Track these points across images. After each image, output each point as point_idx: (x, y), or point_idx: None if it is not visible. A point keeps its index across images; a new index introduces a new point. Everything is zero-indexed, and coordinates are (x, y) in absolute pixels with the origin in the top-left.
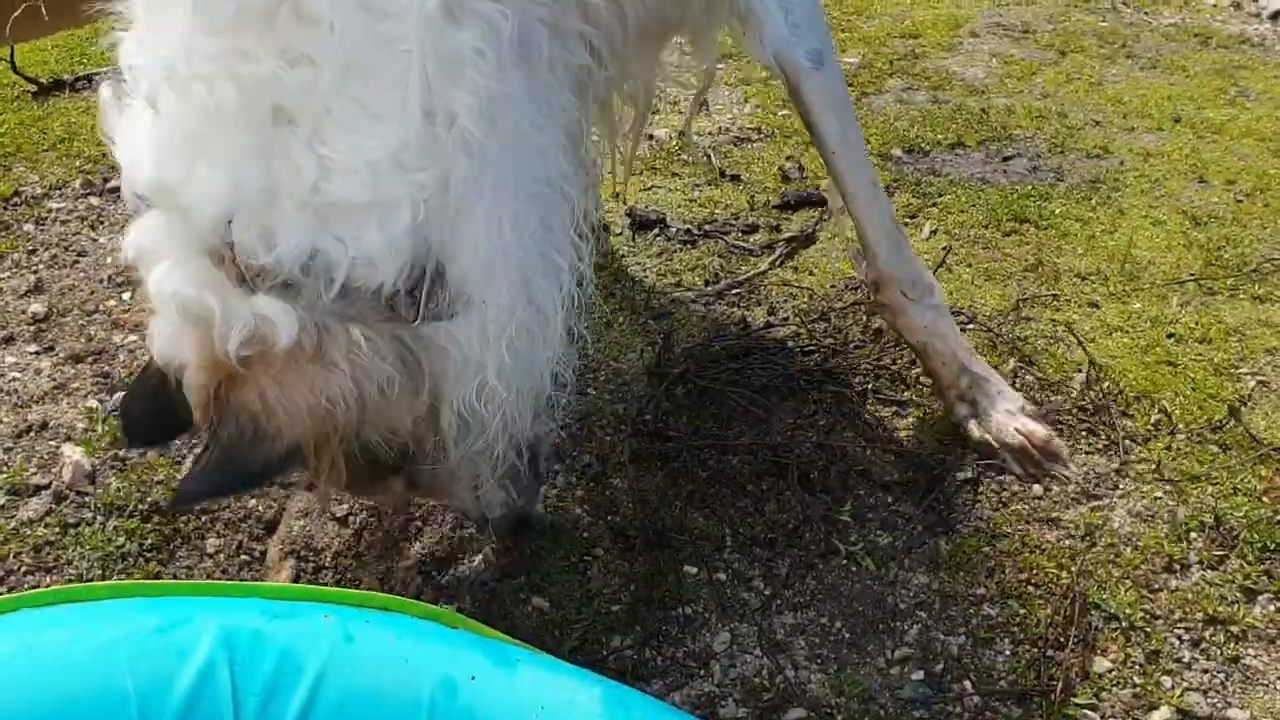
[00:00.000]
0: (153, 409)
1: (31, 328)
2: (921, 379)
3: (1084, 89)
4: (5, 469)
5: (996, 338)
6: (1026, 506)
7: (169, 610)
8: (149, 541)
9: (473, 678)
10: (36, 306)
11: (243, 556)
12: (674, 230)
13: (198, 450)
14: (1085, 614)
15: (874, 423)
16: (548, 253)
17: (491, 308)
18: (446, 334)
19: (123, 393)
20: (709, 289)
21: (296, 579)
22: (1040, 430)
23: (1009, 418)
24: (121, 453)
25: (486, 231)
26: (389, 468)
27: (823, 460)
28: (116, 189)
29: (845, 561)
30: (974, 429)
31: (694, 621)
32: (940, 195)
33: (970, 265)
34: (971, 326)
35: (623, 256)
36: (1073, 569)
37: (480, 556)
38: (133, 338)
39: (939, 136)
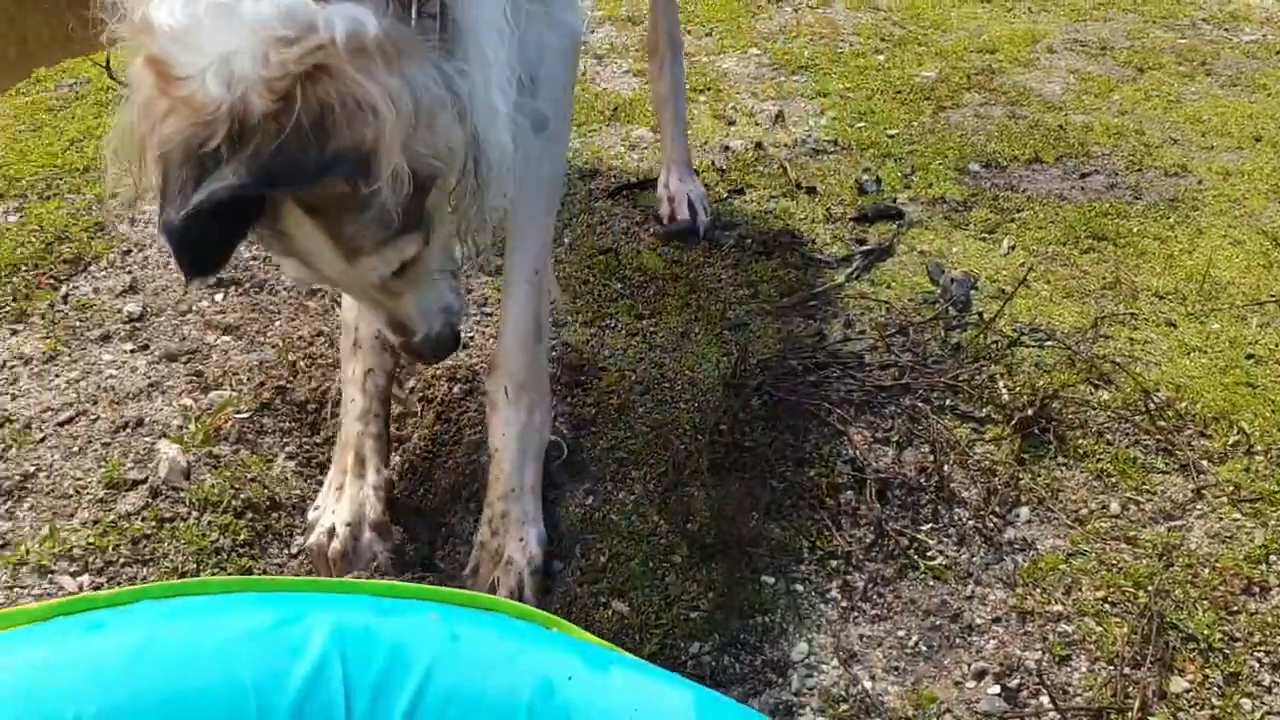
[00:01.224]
0: (207, 212)
1: (127, 326)
2: (999, 396)
3: (1162, 106)
4: (104, 463)
5: (1075, 355)
6: (1104, 524)
7: (284, 606)
8: (241, 537)
9: (569, 679)
10: (132, 306)
11: None
12: (749, 242)
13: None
14: (1163, 634)
15: (951, 438)
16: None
17: (495, 66)
18: (470, 76)
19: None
20: (785, 301)
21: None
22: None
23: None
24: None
25: None
26: (416, 220)
27: (899, 475)
28: None
29: (922, 575)
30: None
31: (772, 630)
32: (1018, 211)
33: (1049, 282)
34: (1050, 344)
35: (698, 267)
36: (1150, 588)
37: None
38: (225, 338)
39: (1016, 152)
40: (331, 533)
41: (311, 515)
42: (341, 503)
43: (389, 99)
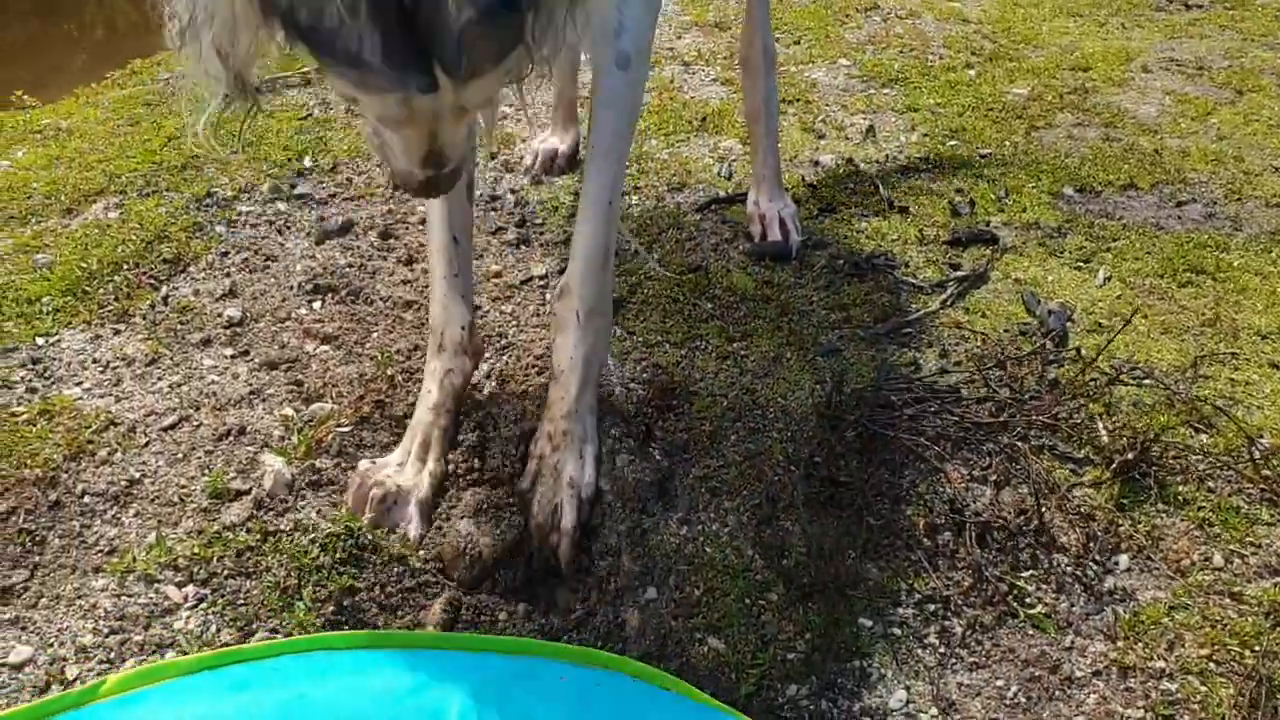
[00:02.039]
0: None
1: (228, 331)
2: (1098, 437)
3: (1263, 131)
4: (207, 472)
5: (1174, 396)
6: (1208, 577)
7: (421, 667)
8: (339, 555)
9: None
10: (232, 310)
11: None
12: (841, 262)
13: None
14: (1272, 698)
15: (1050, 480)
16: None
17: None
18: None
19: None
20: (879, 327)
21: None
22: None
23: (570, 493)
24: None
25: None
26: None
27: (998, 517)
28: (303, 195)
29: (1021, 623)
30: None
31: (869, 675)
32: (1114, 240)
33: (1146, 317)
34: (1149, 382)
35: (789, 288)
36: (1257, 649)
37: None
38: (324, 348)
39: (1111, 177)
40: (380, 484)
41: (363, 467)
42: (400, 473)
43: None
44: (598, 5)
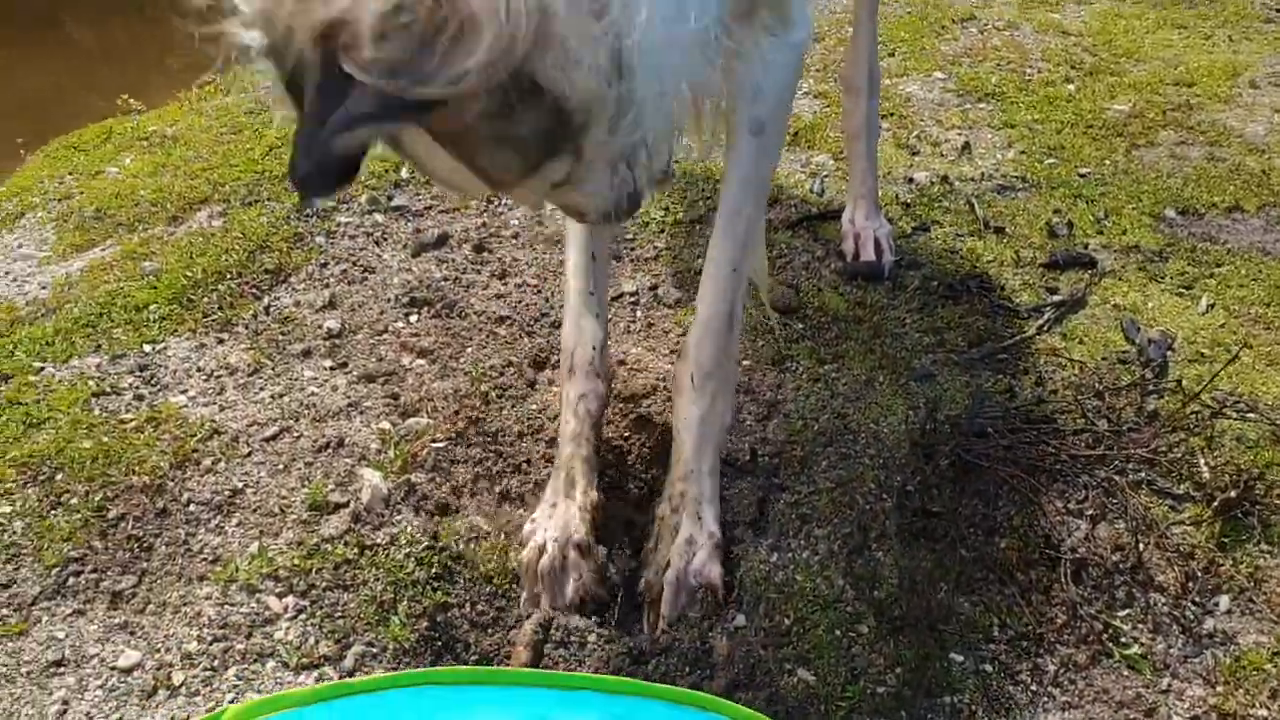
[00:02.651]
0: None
1: (327, 343)
2: (1199, 473)
3: None
4: (307, 483)
5: (1279, 432)
6: None
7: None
8: (434, 570)
9: None
10: (331, 322)
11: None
12: (935, 284)
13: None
14: None
15: (1148, 516)
16: None
17: None
18: None
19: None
20: (973, 351)
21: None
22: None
23: (692, 551)
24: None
25: None
26: (560, 145)
27: (1094, 553)
28: (399, 207)
29: (1116, 664)
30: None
31: (960, 712)
32: (1218, 265)
33: (1251, 347)
34: (1253, 416)
35: (882, 309)
36: None
37: None
38: (420, 361)
39: (1215, 198)
40: (542, 549)
41: (526, 529)
42: (552, 520)
43: (504, 7)
44: (741, 64)
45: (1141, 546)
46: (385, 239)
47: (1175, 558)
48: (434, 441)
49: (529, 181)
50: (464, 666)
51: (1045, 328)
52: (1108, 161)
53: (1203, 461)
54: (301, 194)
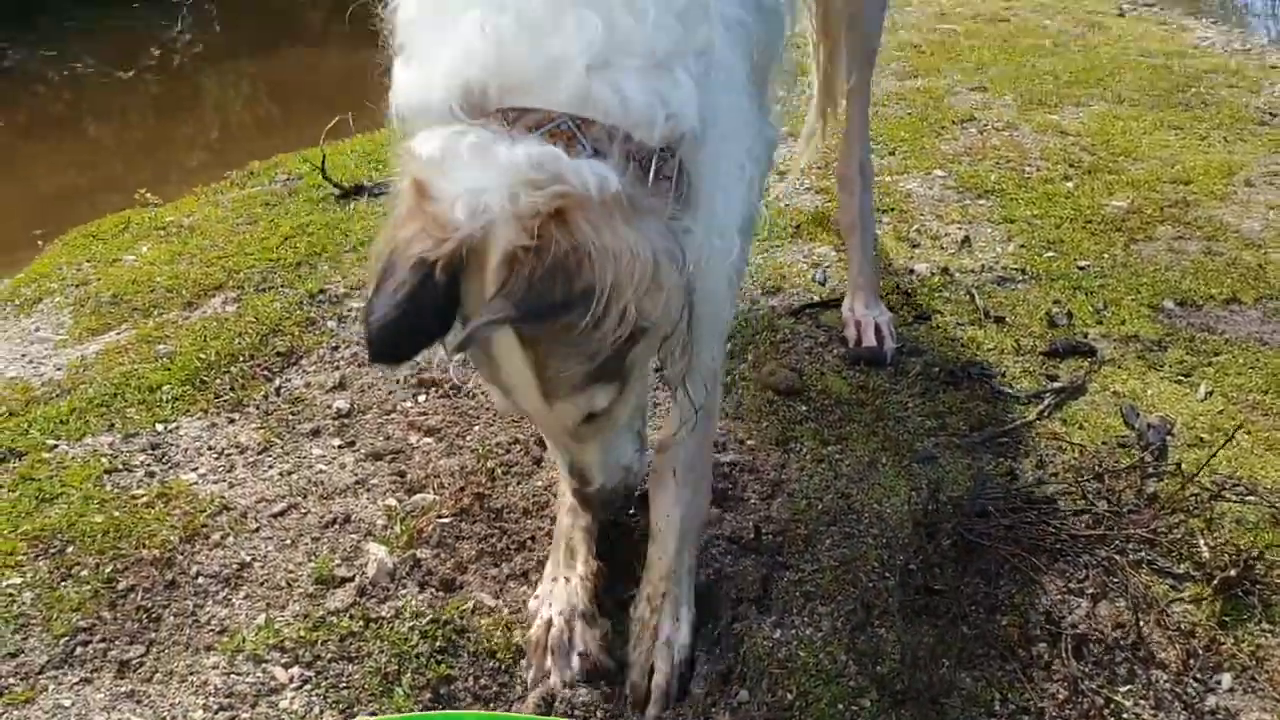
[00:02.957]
0: (410, 311)
1: (336, 422)
2: (1199, 553)
3: None
4: (314, 558)
5: (1279, 514)
6: None
7: None
8: (439, 644)
9: None
10: (340, 402)
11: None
12: (936, 370)
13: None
14: None
15: (1148, 595)
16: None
17: (719, 201)
18: (695, 235)
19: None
20: (974, 435)
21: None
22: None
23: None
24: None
25: (726, 112)
26: (615, 371)
27: (1094, 630)
28: None
29: None
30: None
31: None
32: (1216, 354)
33: (1250, 433)
34: (1252, 499)
35: (884, 393)
36: None
37: None
38: (427, 440)
39: (1213, 290)
40: (549, 624)
41: (532, 605)
42: (555, 593)
43: (630, 248)
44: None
45: (1142, 624)
46: None
47: (1176, 635)
48: (439, 517)
49: (576, 399)
50: (470, 712)
51: (1046, 413)
52: (1106, 255)
53: (1202, 542)
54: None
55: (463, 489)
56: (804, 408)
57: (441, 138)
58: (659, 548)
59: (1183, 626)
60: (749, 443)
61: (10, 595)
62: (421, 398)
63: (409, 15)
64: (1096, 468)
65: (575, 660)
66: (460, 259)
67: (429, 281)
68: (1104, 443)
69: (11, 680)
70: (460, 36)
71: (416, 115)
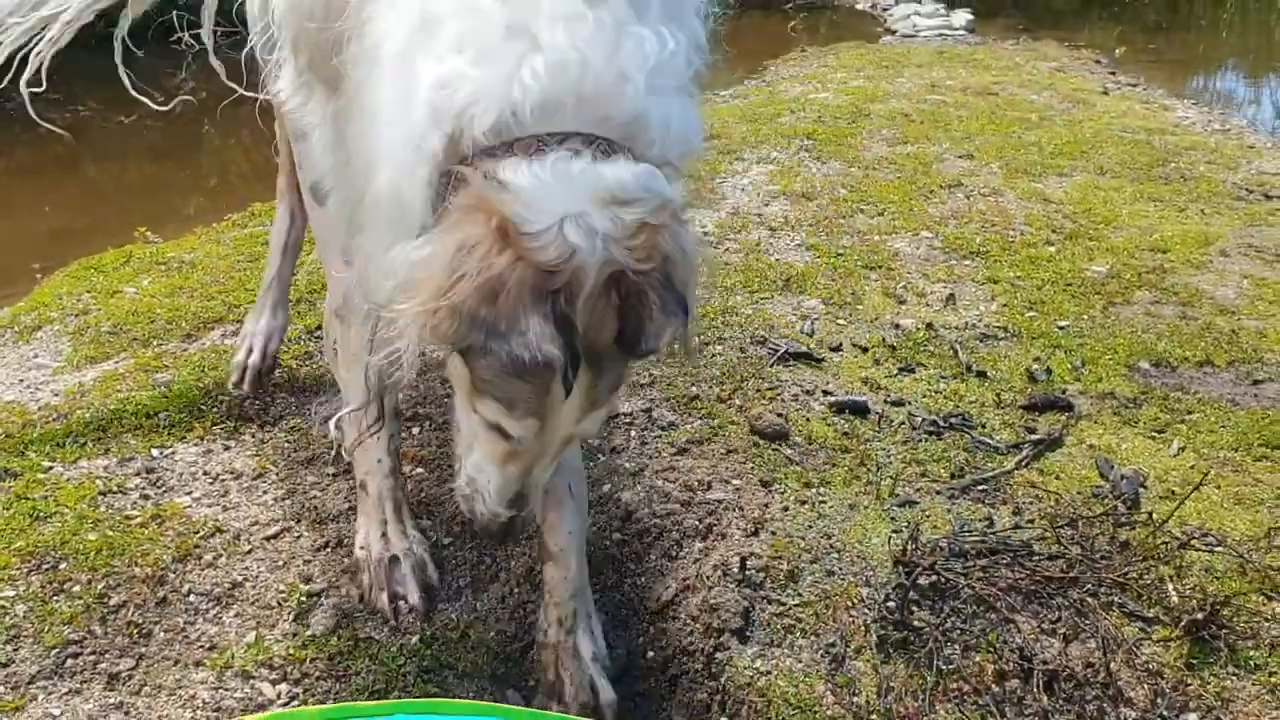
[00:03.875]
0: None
1: (330, 451)
2: (1168, 597)
3: None
4: (305, 580)
5: (1246, 564)
6: None
7: None
8: (425, 664)
9: None
10: (335, 432)
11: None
12: (919, 420)
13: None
14: None
15: (1118, 636)
16: None
17: None
18: None
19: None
20: (954, 482)
21: None
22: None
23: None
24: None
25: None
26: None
27: (1066, 667)
28: None
29: None
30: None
31: None
32: (1189, 413)
33: (1219, 487)
34: (1220, 549)
35: (868, 440)
36: None
37: None
38: (420, 470)
39: (1187, 353)
40: (394, 561)
41: (359, 554)
42: (394, 540)
43: (697, 249)
44: None
45: (1112, 663)
46: None
47: (1145, 675)
48: (432, 544)
49: (607, 405)
50: (466, 701)
51: (1024, 463)
52: (1086, 316)
53: (1171, 588)
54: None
55: (454, 516)
56: (789, 451)
57: (527, 168)
58: (561, 567)
59: (1151, 667)
60: (734, 483)
61: (2, 607)
62: (416, 430)
63: (396, 45)
64: (1071, 515)
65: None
66: (574, 285)
67: (556, 310)
68: (1079, 492)
69: (1, 689)
70: (512, 56)
71: (468, 136)
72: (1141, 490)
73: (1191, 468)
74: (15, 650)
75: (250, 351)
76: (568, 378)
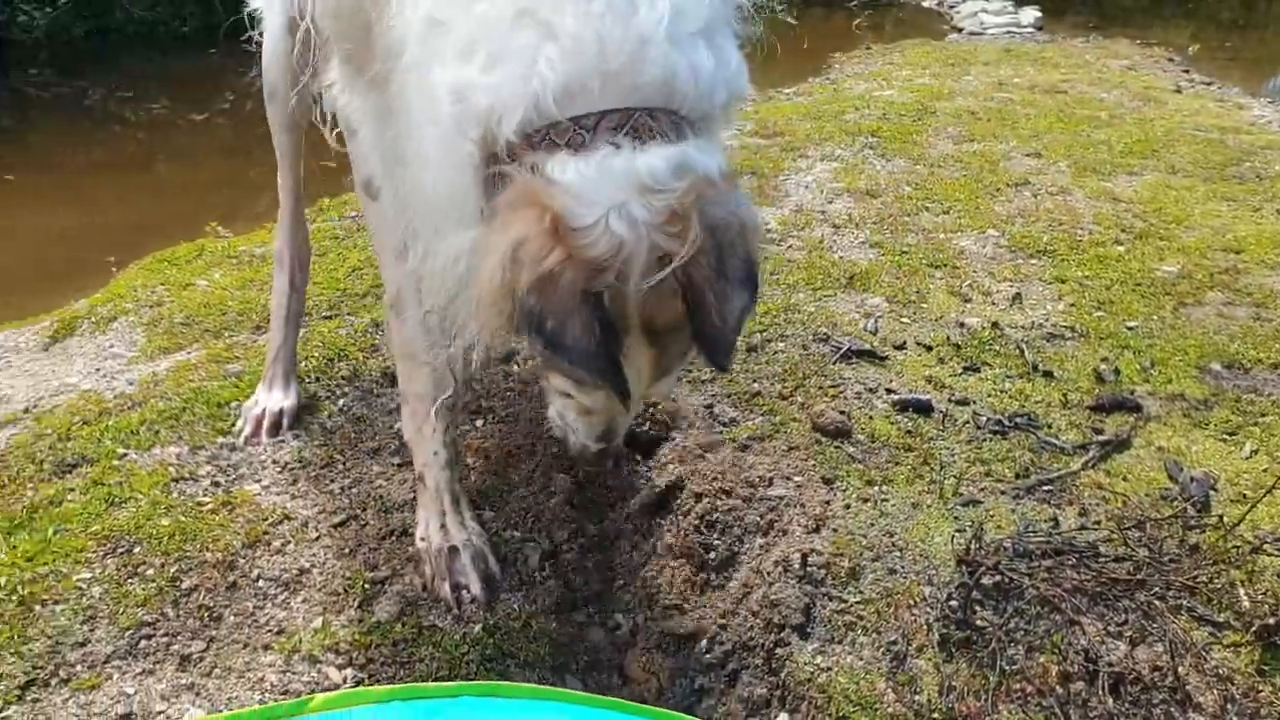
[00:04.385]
0: (605, 341)
1: (396, 442)
2: (1238, 602)
3: None
4: (371, 567)
5: None
6: None
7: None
8: (487, 652)
9: None
10: (400, 424)
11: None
12: (984, 419)
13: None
14: None
15: (1187, 639)
16: None
17: None
18: None
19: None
20: (1019, 482)
21: None
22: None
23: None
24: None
25: None
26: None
27: (1132, 671)
28: None
29: None
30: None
31: None
32: (1263, 415)
33: None
34: None
35: (931, 439)
36: None
37: None
38: (482, 462)
39: (1261, 355)
40: (453, 551)
41: (420, 545)
42: (453, 531)
43: (749, 211)
44: None
45: (1180, 667)
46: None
47: (1214, 680)
48: (493, 535)
49: (676, 370)
50: (529, 685)
51: (1090, 464)
52: (1155, 317)
53: (1242, 592)
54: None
55: (518, 510)
56: (851, 449)
57: (567, 159)
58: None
59: (1221, 672)
60: (796, 479)
61: (80, 589)
62: (479, 422)
63: (412, 55)
64: (1139, 517)
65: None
66: (625, 275)
67: (601, 317)
68: (1147, 494)
69: (79, 668)
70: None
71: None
72: (1212, 493)
73: (1264, 471)
74: (92, 630)
75: (259, 425)
76: (617, 387)
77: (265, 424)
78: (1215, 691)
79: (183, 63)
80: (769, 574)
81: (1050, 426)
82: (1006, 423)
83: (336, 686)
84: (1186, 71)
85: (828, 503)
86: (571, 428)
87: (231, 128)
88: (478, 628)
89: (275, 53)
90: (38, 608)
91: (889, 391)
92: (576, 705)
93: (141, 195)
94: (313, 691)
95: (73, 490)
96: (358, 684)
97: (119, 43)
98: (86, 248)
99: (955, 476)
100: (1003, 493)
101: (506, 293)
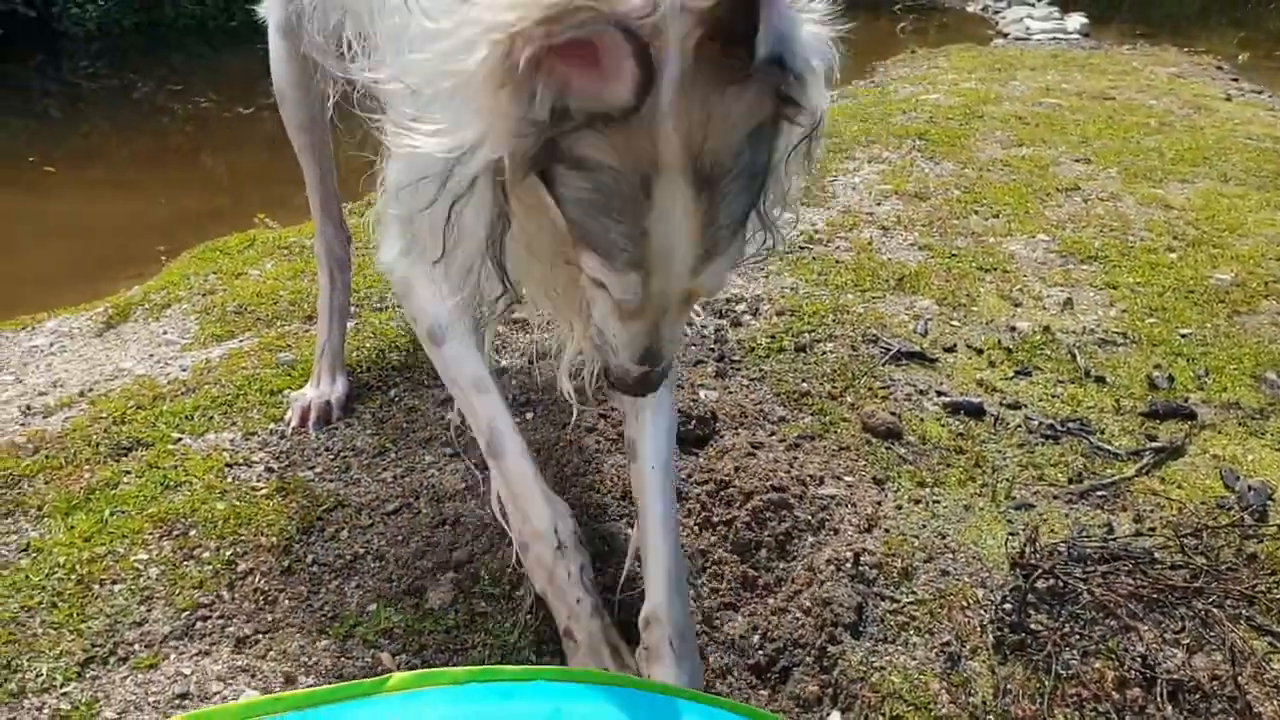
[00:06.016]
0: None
1: (447, 433)
2: None
3: None
4: (424, 555)
5: None
6: None
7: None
8: (533, 638)
9: None
10: (452, 415)
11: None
12: (1036, 423)
13: None
14: None
15: (1246, 648)
16: None
17: None
18: None
19: None
20: (1072, 487)
21: None
22: None
23: None
24: None
25: None
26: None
27: (1191, 678)
28: (519, 320)
29: None
30: None
31: None
32: None
33: None
34: None
35: (983, 442)
36: None
37: None
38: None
39: None
40: None
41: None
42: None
43: None
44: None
45: (1240, 676)
46: (504, 347)
47: (1275, 690)
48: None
49: (731, 251)
50: (604, 672)
51: (1144, 470)
52: (1209, 324)
53: None
54: None
55: (574, 503)
56: (902, 450)
57: None
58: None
59: None
60: (846, 479)
61: (137, 570)
62: (528, 415)
63: None
64: (1195, 525)
65: None
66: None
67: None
68: (1202, 502)
69: (137, 647)
70: None
71: None
72: (1270, 503)
73: None
74: (149, 610)
75: (304, 416)
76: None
77: (312, 416)
78: (1276, 702)
79: (230, 57)
80: (821, 572)
81: (1103, 432)
82: (1059, 427)
83: (390, 672)
84: (1235, 80)
85: (879, 503)
86: (611, 346)
87: (276, 121)
88: (529, 616)
89: (277, 55)
90: (96, 587)
91: (939, 394)
92: (649, 693)
93: (189, 187)
94: (366, 677)
95: (129, 473)
96: (410, 670)
97: (168, 36)
98: (136, 237)
99: (1007, 480)
100: (1055, 497)
101: (509, 66)
